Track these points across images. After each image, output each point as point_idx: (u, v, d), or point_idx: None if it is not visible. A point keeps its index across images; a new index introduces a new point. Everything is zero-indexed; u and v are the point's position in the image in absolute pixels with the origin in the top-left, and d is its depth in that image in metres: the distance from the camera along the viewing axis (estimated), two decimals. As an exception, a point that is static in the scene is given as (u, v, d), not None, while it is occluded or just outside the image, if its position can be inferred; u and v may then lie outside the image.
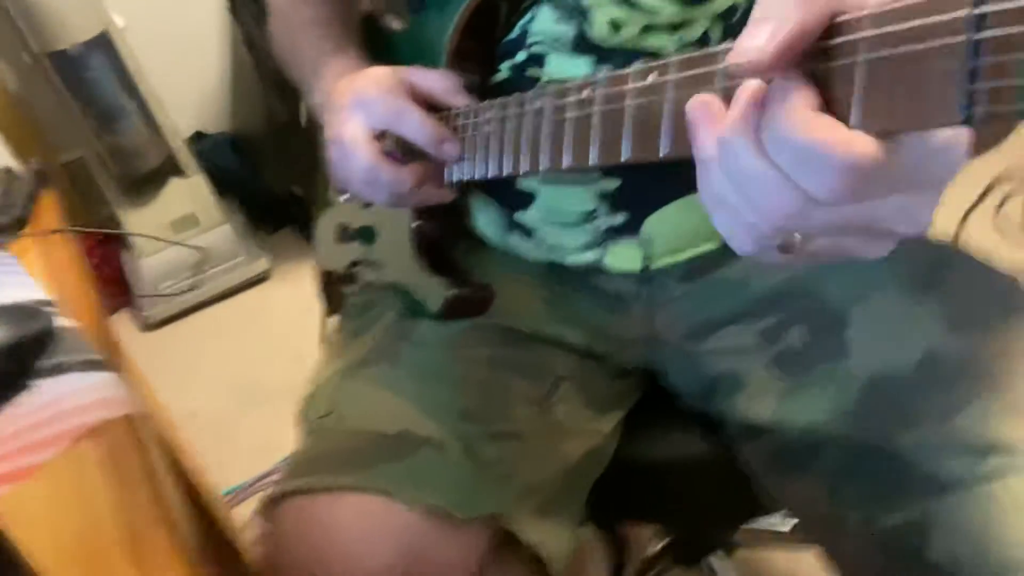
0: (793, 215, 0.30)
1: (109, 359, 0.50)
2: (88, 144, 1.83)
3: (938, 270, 0.59)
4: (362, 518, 0.52)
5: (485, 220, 0.68)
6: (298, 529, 0.53)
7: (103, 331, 0.55)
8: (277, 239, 2.13)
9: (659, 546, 1.08)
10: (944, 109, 0.25)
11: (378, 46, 0.74)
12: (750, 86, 0.30)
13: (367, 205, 0.73)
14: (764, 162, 0.30)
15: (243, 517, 1.38)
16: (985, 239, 1.64)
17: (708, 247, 0.63)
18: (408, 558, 0.52)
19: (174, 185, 1.93)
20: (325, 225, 0.81)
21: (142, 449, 0.43)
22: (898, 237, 0.31)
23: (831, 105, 0.29)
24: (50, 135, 1.97)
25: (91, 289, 0.62)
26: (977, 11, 0.24)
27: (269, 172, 2.11)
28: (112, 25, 1.69)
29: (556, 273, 0.68)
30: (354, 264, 0.77)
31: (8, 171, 0.73)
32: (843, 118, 0.28)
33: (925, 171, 0.29)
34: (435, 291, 0.62)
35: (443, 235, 0.66)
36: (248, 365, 1.76)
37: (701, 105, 0.32)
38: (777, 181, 0.30)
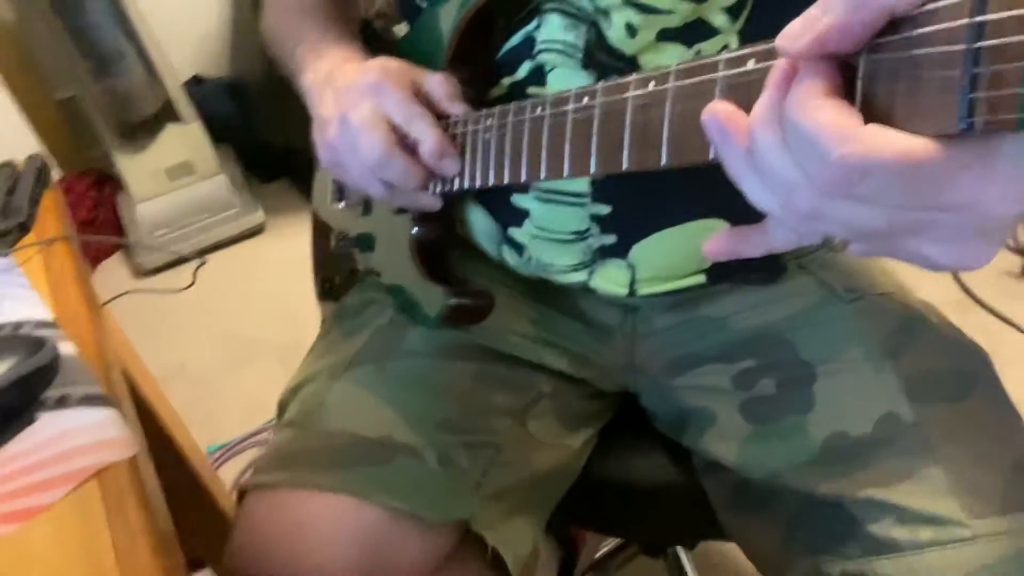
0: (809, 210, 0.30)
1: (108, 394, 0.53)
2: (85, 86, 1.81)
3: (905, 337, 0.60)
4: (332, 517, 0.55)
5: (480, 232, 0.69)
6: (271, 520, 0.56)
7: (101, 354, 0.57)
8: (273, 190, 2.12)
9: (613, 545, 1.13)
10: (943, 118, 0.25)
11: (374, 54, 0.74)
12: (777, 68, 0.30)
13: (366, 212, 0.74)
14: (787, 156, 0.30)
15: (229, 475, 1.41)
16: None
17: (693, 281, 0.65)
18: (372, 558, 0.55)
19: (171, 131, 1.92)
20: (322, 232, 0.82)
21: (141, 491, 0.46)
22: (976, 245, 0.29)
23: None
24: (46, 73, 1.94)
25: (91, 299, 0.64)
26: (976, 20, 0.24)
27: (267, 122, 2.10)
28: (112, -33, 1.66)
29: (545, 294, 0.69)
30: (353, 271, 0.78)
31: (9, 165, 0.74)
32: None
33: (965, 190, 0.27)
34: (435, 298, 0.62)
35: (442, 243, 0.66)
36: (240, 319, 1.77)
37: (720, 112, 0.32)
38: (793, 173, 0.30)
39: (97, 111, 1.85)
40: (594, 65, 0.56)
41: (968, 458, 0.54)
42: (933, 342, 0.61)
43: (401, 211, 0.67)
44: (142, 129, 1.88)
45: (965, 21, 0.24)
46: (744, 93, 0.33)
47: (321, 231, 0.82)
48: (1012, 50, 0.23)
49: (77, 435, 0.48)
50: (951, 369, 0.59)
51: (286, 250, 1.97)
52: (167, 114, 1.89)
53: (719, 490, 0.67)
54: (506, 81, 0.60)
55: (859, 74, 0.28)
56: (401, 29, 0.70)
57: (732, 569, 1.18)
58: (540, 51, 0.57)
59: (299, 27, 0.69)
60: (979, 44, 0.24)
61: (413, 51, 0.64)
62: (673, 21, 0.53)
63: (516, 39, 0.59)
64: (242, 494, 0.60)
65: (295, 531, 0.55)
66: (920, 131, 0.26)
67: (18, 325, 0.57)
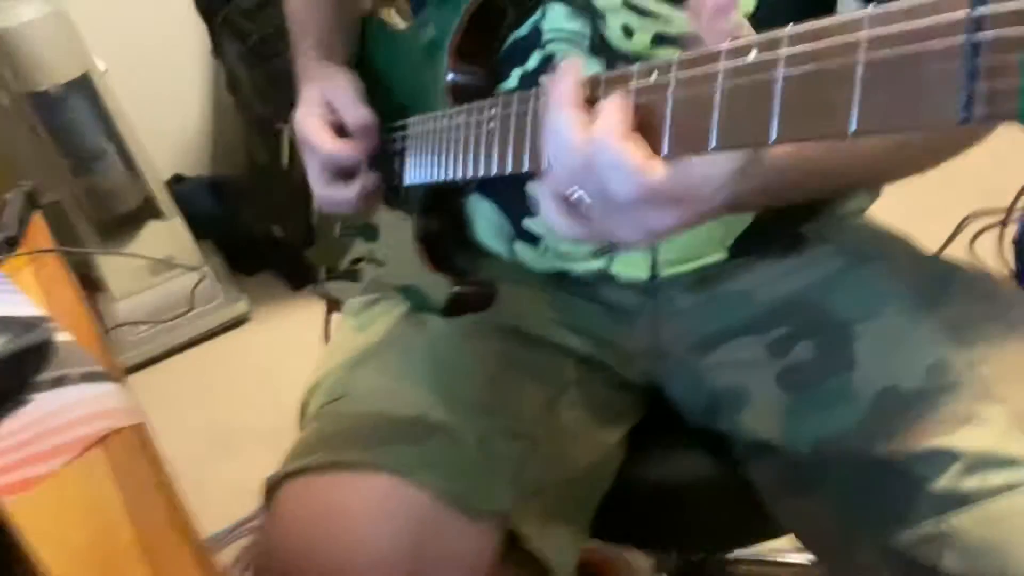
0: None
1: (110, 371, 0.49)
2: (65, 185, 1.81)
3: (942, 285, 0.59)
4: (377, 498, 0.51)
5: (488, 231, 0.68)
6: (309, 508, 0.51)
7: (101, 347, 0.54)
8: (257, 282, 2.11)
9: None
10: (943, 110, 0.25)
11: (379, 47, 0.75)
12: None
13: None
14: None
15: (221, 565, 1.34)
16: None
17: (715, 258, 0.64)
18: (417, 543, 0.50)
19: (152, 228, 1.91)
20: (327, 222, 0.81)
21: (152, 457, 0.42)
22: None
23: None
24: (26, 175, 1.94)
25: (85, 308, 0.61)
26: (975, 12, 0.24)
27: (249, 214, 2.10)
28: (93, 67, 1.69)
29: (561, 282, 0.68)
30: (356, 261, 0.76)
31: (-2, 194, 0.73)
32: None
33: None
34: (439, 288, 0.61)
35: (446, 232, 0.65)
36: (226, 410, 1.72)
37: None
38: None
39: (78, 210, 1.84)
40: (602, 52, 0.56)
41: None
42: (967, 289, 0.60)
43: (406, 202, 0.66)
44: (123, 225, 1.87)
45: (964, 13, 0.24)
46: (746, 82, 0.33)
47: (325, 219, 0.81)
48: (1011, 42, 0.23)
49: (78, 407, 0.45)
50: (993, 311, 0.57)
51: (271, 339, 1.94)
52: (148, 210, 1.89)
53: (765, 476, 0.63)
54: (517, 72, 0.61)
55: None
56: (400, 22, 0.72)
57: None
58: (549, 40, 0.59)
59: (306, 22, 0.73)
60: (978, 36, 0.24)
61: (418, 42, 0.65)
62: (669, 27, 0.55)
63: (523, 30, 0.60)
64: (269, 491, 0.55)
65: (335, 515, 0.51)
66: (919, 124, 0.27)
67: (13, 317, 0.53)
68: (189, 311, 1.92)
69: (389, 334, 0.64)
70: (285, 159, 2.15)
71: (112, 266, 1.88)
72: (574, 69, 0.40)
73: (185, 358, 1.91)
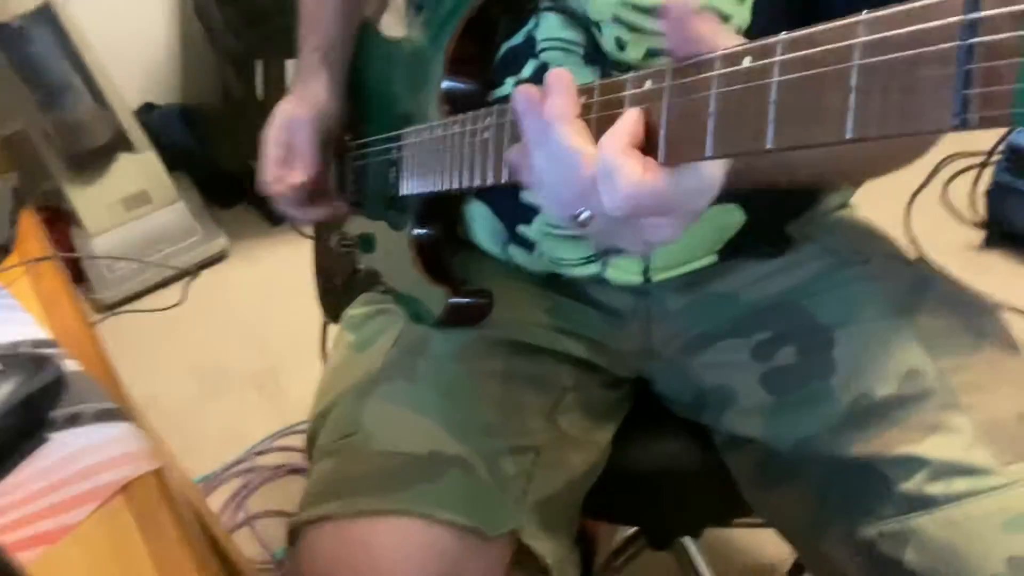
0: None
1: (122, 407, 0.50)
2: (32, 119, 1.76)
3: (919, 292, 0.61)
4: (402, 541, 0.53)
5: (483, 232, 0.69)
6: (336, 553, 0.54)
7: (106, 367, 0.54)
8: (234, 216, 2.08)
9: (628, 532, 1.12)
10: (938, 114, 0.25)
11: (373, 53, 0.73)
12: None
13: (365, 215, 0.73)
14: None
15: (213, 506, 1.37)
16: (933, 216, 1.71)
17: (706, 261, 0.65)
18: (439, 574, 0.53)
19: (124, 161, 1.87)
20: (323, 233, 0.81)
21: (172, 502, 0.44)
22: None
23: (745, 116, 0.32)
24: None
25: (85, 317, 0.61)
26: (969, 17, 0.24)
27: (223, 146, 2.05)
28: (55, -5, 1.61)
29: (555, 285, 0.69)
30: (354, 272, 0.77)
31: (-17, 188, 0.71)
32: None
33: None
34: (435, 299, 0.62)
35: (442, 243, 0.66)
36: (209, 348, 1.73)
37: (525, 94, 0.41)
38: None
39: (46, 144, 1.79)
40: (597, 61, 0.56)
41: (992, 406, 0.54)
42: (944, 297, 0.62)
43: (402, 212, 0.66)
44: (94, 160, 1.83)
45: (959, 18, 0.24)
46: (740, 89, 0.33)
47: (322, 230, 0.81)
48: (1006, 47, 0.23)
49: (96, 452, 0.46)
50: (964, 321, 0.60)
51: (252, 275, 1.93)
52: (119, 143, 1.84)
53: (743, 465, 0.67)
54: (511, 80, 0.60)
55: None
56: (395, 29, 0.70)
57: (738, 558, 1.18)
58: (542, 49, 0.58)
59: (315, 24, 0.73)
60: (973, 41, 0.24)
61: (411, 51, 0.64)
62: (663, 42, 0.54)
63: (517, 39, 0.59)
64: (292, 533, 0.58)
65: (365, 559, 0.53)
66: (914, 128, 0.27)
67: (15, 346, 0.54)
68: (167, 247, 1.90)
69: (392, 358, 0.65)
70: (260, 92, 2.09)
71: (85, 200, 1.85)
72: (566, 81, 0.41)
73: (164, 295, 1.90)
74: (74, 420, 0.48)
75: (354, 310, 0.74)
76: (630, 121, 0.37)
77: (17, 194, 0.69)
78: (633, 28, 0.54)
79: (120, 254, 1.87)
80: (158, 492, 0.44)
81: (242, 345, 1.72)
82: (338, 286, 0.79)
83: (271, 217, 2.00)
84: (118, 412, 0.49)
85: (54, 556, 0.42)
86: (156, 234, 1.90)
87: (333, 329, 0.79)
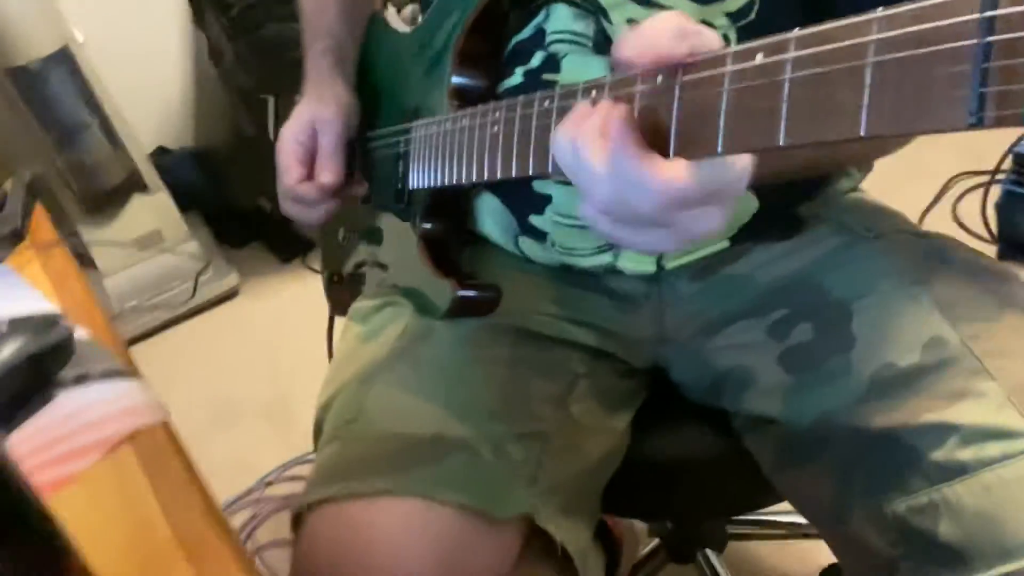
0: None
1: (129, 367, 0.50)
2: (48, 160, 1.79)
3: (936, 261, 0.60)
4: (402, 522, 0.52)
5: (493, 224, 0.68)
6: (336, 535, 0.53)
7: (115, 341, 0.54)
8: (245, 254, 2.10)
9: (651, 546, 1.10)
10: (954, 112, 0.25)
11: (382, 47, 0.74)
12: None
13: (373, 208, 0.73)
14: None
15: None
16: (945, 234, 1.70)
17: (719, 247, 0.65)
18: (444, 557, 0.52)
19: (137, 201, 1.89)
20: (330, 226, 0.81)
21: (181, 453, 0.43)
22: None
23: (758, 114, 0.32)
24: (8, 151, 1.91)
25: (95, 300, 0.61)
26: (986, 15, 0.24)
27: (235, 186, 2.09)
28: (72, 40, 1.66)
29: (566, 275, 0.68)
30: (360, 265, 0.76)
31: (-1, 184, 0.72)
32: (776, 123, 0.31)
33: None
34: (442, 292, 0.62)
35: (450, 237, 0.66)
36: (220, 383, 1.73)
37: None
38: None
39: (62, 185, 1.82)
40: (606, 51, 0.56)
41: (1019, 370, 0.52)
42: (961, 266, 0.61)
43: (410, 205, 0.66)
44: (108, 200, 1.85)
45: (976, 16, 0.24)
46: (752, 86, 0.33)
47: (330, 224, 0.81)
48: (1023, 45, 0.23)
49: (103, 405, 0.45)
50: (985, 288, 0.59)
51: (263, 311, 1.94)
52: (133, 184, 1.87)
53: (765, 447, 0.65)
54: (520, 70, 0.60)
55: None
56: (403, 23, 0.71)
57: (763, 572, 1.15)
58: (552, 41, 0.58)
59: (319, 26, 0.74)
60: (989, 39, 0.24)
61: (420, 46, 0.65)
62: None
63: (527, 31, 0.60)
64: (295, 518, 0.57)
65: (365, 542, 0.52)
66: (928, 127, 0.27)
67: (31, 316, 0.54)
68: (179, 286, 1.91)
69: (397, 346, 0.65)
70: (271, 129, 2.13)
71: (99, 241, 1.86)
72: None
73: (176, 333, 1.91)
74: (81, 379, 0.48)
75: (362, 302, 0.74)
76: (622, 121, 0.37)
77: (31, 189, 0.71)
78: (649, 4, 0.54)
79: (132, 293, 1.88)
80: (165, 443, 0.43)
81: (252, 376, 1.72)
82: (345, 278, 0.79)
83: (281, 255, 2.01)
84: (123, 371, 0.48)
85: (62, 502, 0.40)
86: (168, 273, 1.91)
87: (339, 324, 0.78)
